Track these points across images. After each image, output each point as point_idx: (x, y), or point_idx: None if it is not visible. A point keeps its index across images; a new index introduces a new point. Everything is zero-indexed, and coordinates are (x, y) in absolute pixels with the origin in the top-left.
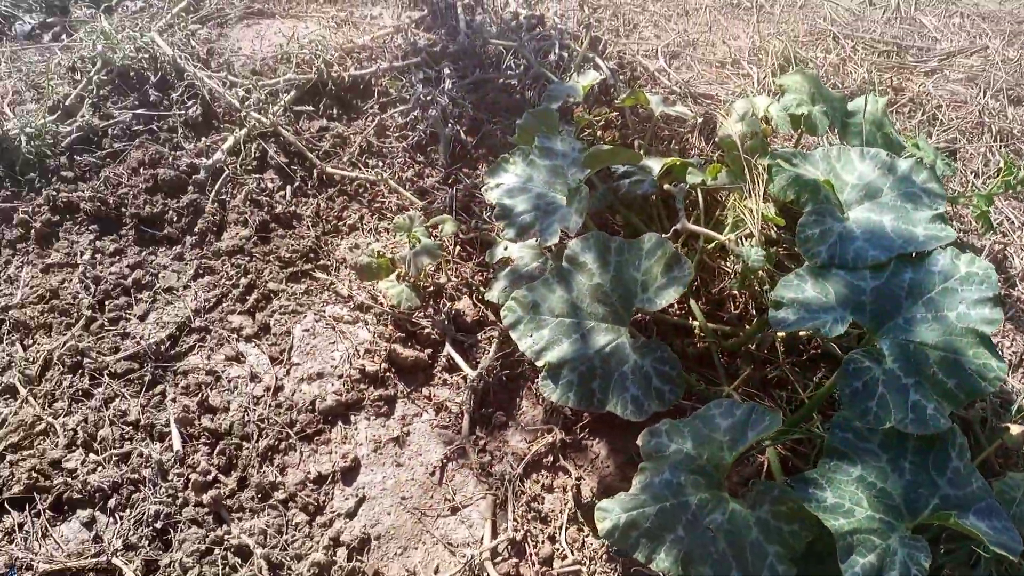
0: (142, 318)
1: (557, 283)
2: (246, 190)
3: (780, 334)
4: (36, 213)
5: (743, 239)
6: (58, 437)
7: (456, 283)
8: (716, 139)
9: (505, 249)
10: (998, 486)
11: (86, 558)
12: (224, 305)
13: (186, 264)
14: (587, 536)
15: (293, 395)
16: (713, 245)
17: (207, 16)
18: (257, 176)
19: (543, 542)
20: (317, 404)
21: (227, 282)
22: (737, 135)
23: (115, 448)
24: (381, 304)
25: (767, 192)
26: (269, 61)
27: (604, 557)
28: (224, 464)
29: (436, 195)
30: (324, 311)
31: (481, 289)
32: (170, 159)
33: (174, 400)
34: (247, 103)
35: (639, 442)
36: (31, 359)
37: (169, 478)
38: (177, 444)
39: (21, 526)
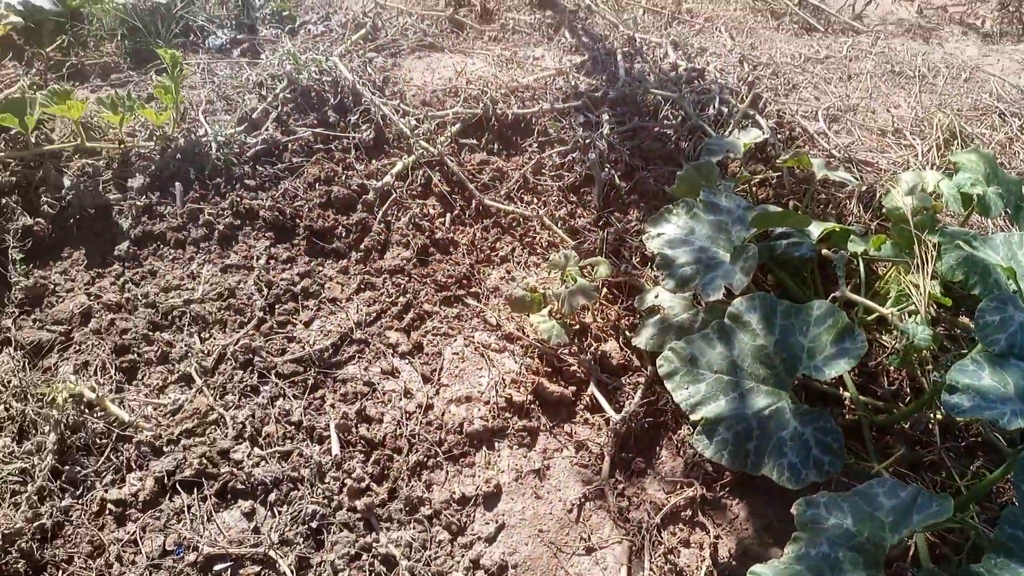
0: (307, 324)
1: (718, 339)
2: (410, 214)
3: (937, 416)
4: (220, 216)
5: (906, 315)
6: (227, 428)
7: (601, 324)
8: (878, 208)
9: (656, 297)
10: None
11: (245, 547)
12: (383, 321)
13: (350, 278)
14: None
15: (443, 415)
16: (872, 317)
17: (382, 46)
18: (421, 201)
19: None
20: (465, 427)
21: (386, 299)
22: (907, 208)
23: (278, 445)
24: (527, 336)
25: (934, 270)
26: (439, 93)
27: None
28: (377, 473)
29: (587, 236)
30: (473, 337)
31: (627, 333)
32: (343, 178)
33: (333, 406)
34: (416, 131)
35: (794, 511)
36: (207, 351)
37: (326, 480)
38: (336, 449)
39: (189, 508)
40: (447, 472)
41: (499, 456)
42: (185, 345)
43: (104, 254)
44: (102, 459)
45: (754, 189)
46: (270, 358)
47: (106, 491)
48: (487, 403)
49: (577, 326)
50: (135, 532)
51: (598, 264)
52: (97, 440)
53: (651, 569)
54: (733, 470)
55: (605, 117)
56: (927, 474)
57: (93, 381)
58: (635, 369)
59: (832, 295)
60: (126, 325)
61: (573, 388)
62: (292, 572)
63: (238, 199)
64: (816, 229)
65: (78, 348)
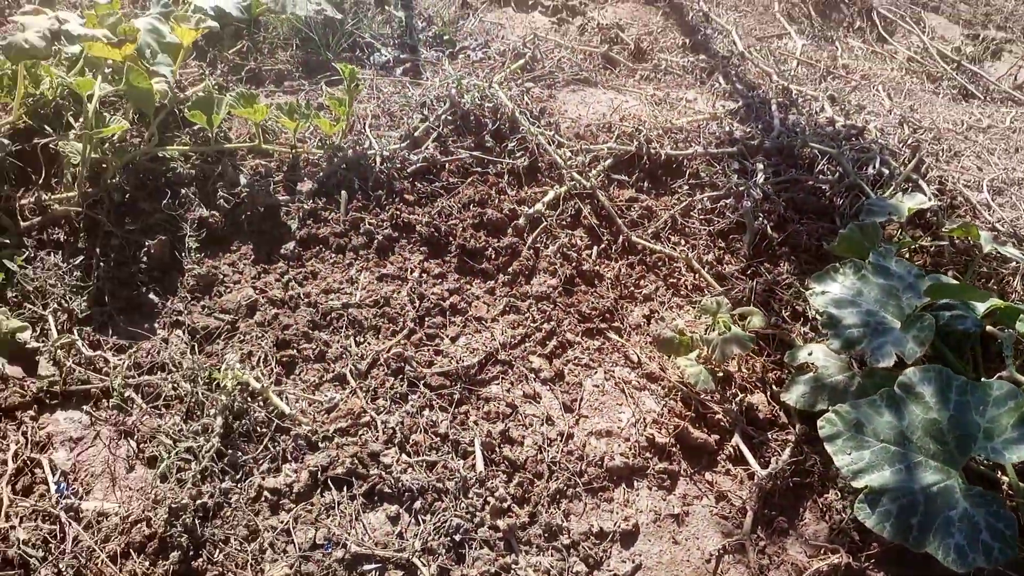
0: (453, 340)
1: (886, 407)
2: (559, 243)
3: None
4: (379, 227)
5: None
6: (378, 432)
7: (747, 375)
8: None
9: (809, 354)
10: None
11: (390, 550)
12: (526, 345)
13: (496, 299)
14: None
15: (583, 447)
16: None
17: (539, 77)
18: (569, 232)
19: None
20: (605, 461)
21: (531, 324)
22: None
23: (425, 455)
24: (668, 377)
25: None
26: (592, 127)
27: None
28: (519, 496)
29: (734, 283)
30: (613, 371)
31: (774, 387)
32: (496, 201)
33: (476, 423)
34: (570, 163)
35: None
36: (361, 355)
37: (470, 496)
38: (480, 466)
39: (338, 504)
40: (585, 504)
41: (638, 495)
42: (341, 347)
43: (270, 251)
44: (261, 447)
45: (909, 255)
46: (419, 368)
47: (263, 479)
48: (627, 440)
49: (721, 374)
50: (288, 522)
51: (752, 314)
52: (257, 428)
53: None
54: (892, 542)
55: (760, 166)
56: None
57: (257, 371)
58: (781, 426)
59: (999, 374)
60: (288, 321)
61: (716, 436)
62: None
63: (397, 212)
64: (981, 304)
65: (242, 338)
